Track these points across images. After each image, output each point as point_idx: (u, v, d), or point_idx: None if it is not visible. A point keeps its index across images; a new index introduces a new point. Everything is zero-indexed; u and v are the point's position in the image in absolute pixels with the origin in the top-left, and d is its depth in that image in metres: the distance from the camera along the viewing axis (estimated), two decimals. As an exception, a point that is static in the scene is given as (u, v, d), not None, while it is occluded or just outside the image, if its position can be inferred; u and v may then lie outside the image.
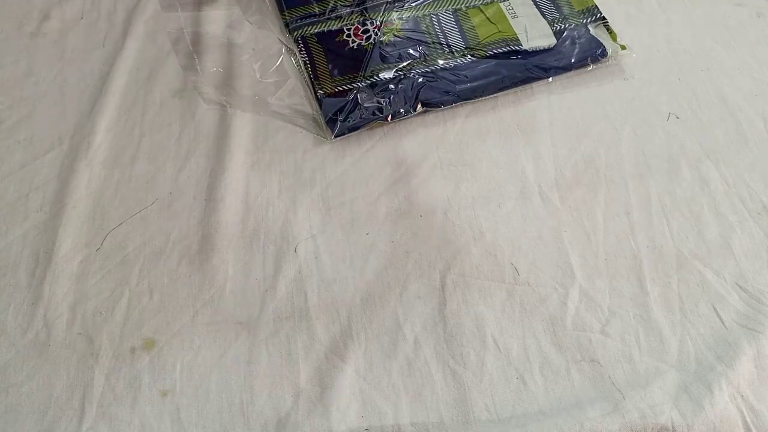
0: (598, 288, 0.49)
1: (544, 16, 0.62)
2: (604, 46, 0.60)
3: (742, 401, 0.44)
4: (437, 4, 0.64)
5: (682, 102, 0.59)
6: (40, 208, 0.52)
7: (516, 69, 0.59)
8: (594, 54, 0.60)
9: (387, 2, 0.63)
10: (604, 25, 0.62)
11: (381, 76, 0.58)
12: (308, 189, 0.54)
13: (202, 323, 0.47)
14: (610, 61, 0.60)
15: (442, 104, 0.57)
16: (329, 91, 0.57)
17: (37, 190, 0.53)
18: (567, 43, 0.60)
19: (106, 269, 0.49)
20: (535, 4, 0.63)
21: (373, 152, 0.56)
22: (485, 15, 0.62)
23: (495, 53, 0.60)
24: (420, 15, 0.63)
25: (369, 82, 0.58)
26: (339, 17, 0.62)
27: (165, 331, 0.47)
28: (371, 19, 0.62)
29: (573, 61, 0.59)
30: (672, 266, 0.50)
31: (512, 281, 0.49)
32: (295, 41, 0.61)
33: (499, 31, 0.61)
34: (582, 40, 0.61)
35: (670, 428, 0.42)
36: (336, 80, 0.58)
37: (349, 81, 0.58)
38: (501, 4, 0.63)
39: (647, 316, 0.47)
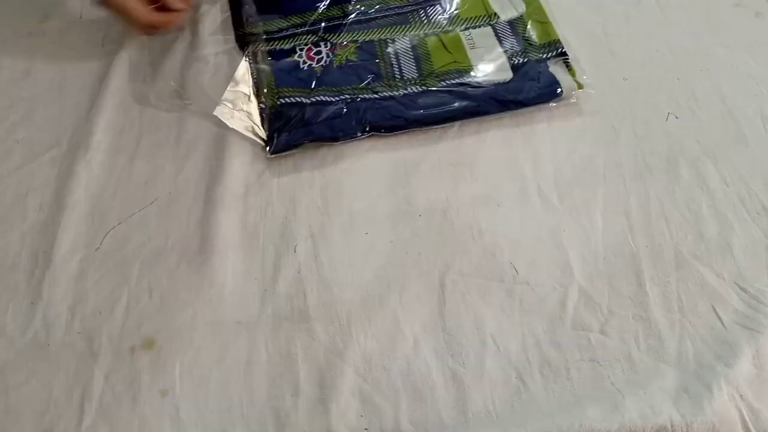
0: (597, 287, 0.49)
1: (504, 48, 0.60)
2: (559, 85, 0.57)
3: (741, 401, 0.44)
4: (395, 29, 0.61)
5: (681, 102, 0.59)
6: (39, 208, 0.52)
7: (470, 100, 0.57)
8: (551, 92, 0.57)
9: (344, 24, 0.61)
10: (564, 62, 0.60)
11: (328, 98, 0.56)
12: (307, 189, 0.54)
13: (201, 323, 0.47)
14: (568, 100, 0.58)
15: (392, 129, 0.56)
16: (271, 104, 0.56)
17: (35, 191, 0.53)
18: (524, 78, 0.58)
19: (105, 269, 0.49)
20: (496, 35, 0.61)
21: (372, 152, 0.56)
22: (443, 43, 0.60)
23: (448, 84, 0.57)
24: (376, 39, 0.61)
25: (316, 100, 0.56)
26: (293, 36, 0.60)
27: (164, 331, 0.47)
28: (326, 40, 0.60)
29: (530, 97, 0.57)
30: (671, 266, 0.50)
31: (511, 281, 0.49)
32: (246, 56, 0.60)
33: (455, 61, 0.59)
34: (540, 76, 0.58)
35: (669, 428, 0.42)
36: (281, 92, 0.56)
37: (296, 96, 0.56)
38: (461, 33, 0.61)
39: (646, 316, 0.48)
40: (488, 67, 0.59)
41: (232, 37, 0.62)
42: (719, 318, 0.47)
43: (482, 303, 0.48)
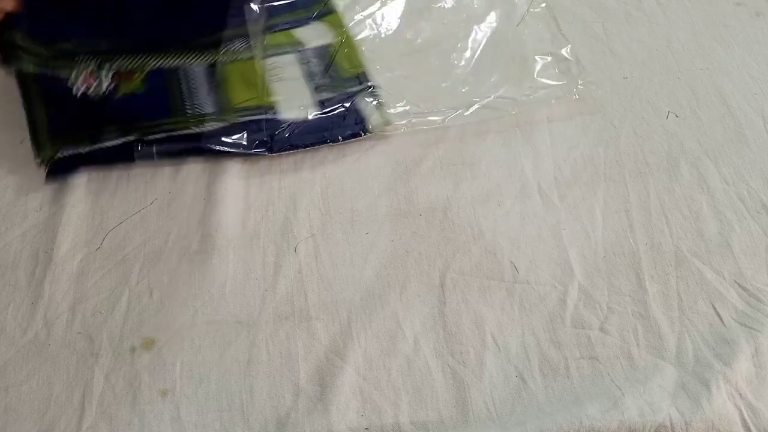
0: (597, 286, 0.49)
1: (309, 80, 0.56)
2: (364, 121, 0.55)
3: (741, 399, 0.44)
4: (187, 55, 0.53)
5: (682, 100, 0.59)
6: (39, 207, 0.52)
7: (260, 136, 0.53)
8: (355, 132, 0.55)
9: (128, 50, 0.52)
10: (372, 94, 0.56)
11: (115, 141, 0.51)
12: (308, 188, 0.54)
13: (202, 322, 0.47)
14: (372, 136, 0.55)
15: (184, 153, 0.53)
16: (48, 157, 0.51)
17: (36, 190, 0.53)
18: (330, 114, 0.55)
19: (105, 269, 0.50)
20: (302, 64, 0.57)
21: (373, 152, 0.56)
22: (243, 75, 0.55)
23: (247, 120, 0.53)
24: (165, 67, 0.53)
25: (101, 147, 0.51)
26: (70, 57, 0.51)
27: (165, 331, 0.47)
28: (107, 67, 0.51)
29: (335, 136, 0.54)
30: (671, 264, 0.50)
31: (512, 279, 0.49)
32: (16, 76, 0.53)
33: (256, 97, 0.54)
34: (346, 113, 0.55)
35: (669, 426, 0.42)
36: (57, 141, 0.51)
37: (78, 145, 0.51)
38: (264, 62, 0.56)
39: (646, 314, 0.48)
40: (290, 104, 0.55)
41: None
42: (719, 316, 0.47)
43: (482, 302, 0.48)
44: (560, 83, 0.59)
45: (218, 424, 0.44)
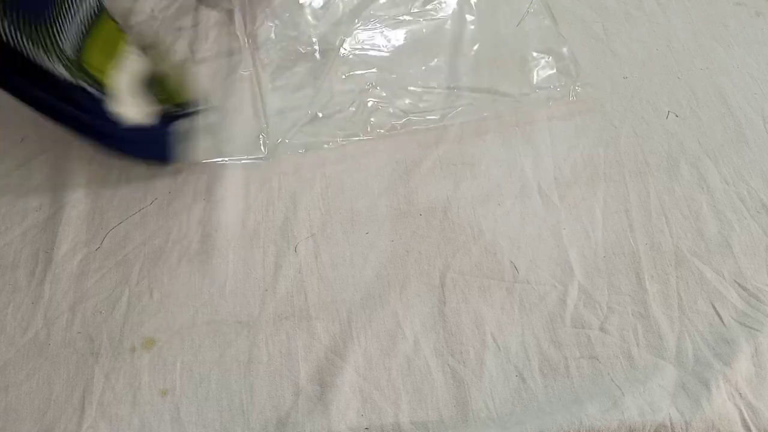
0: (597, 285, 0.49)
1: (146, 89, 0.50)
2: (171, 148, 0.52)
3: (741, 399, 0.44)
4: None
5: (682, 100, 0.59)
6: (39, 207, 0.52)
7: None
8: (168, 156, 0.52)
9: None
10: (191, 122, 0.52)
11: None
12: (308, 188, 0.54)
13: (202, 322, 0.47)
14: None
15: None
16: None
17: (35, 190, 0.53)
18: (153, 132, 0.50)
19: (105, 268, 0.50)
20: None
21: (373, 152, 0.56)
22: (106, 41, 0.47)
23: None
24: None
25: None
26: None
27: (165, 330, 0.47)
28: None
29: (140, 153, 0.52)
30: (671, 264, 0.50)
31: (512, 279, 0.49)
32: None
33: (104, 72, 0.47)
34: (162, 137, 0.51)
35: (669, 426, 0.42)
36: None
37: None
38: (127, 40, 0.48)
39: (646, 313, 0.48)
40: (126, 101, 0.48)
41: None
42: (719, 316, 0.47)
43: (482, 302, 0.48)
44: (559, 83, 0.59)
45: (218, 424, 0.44)
